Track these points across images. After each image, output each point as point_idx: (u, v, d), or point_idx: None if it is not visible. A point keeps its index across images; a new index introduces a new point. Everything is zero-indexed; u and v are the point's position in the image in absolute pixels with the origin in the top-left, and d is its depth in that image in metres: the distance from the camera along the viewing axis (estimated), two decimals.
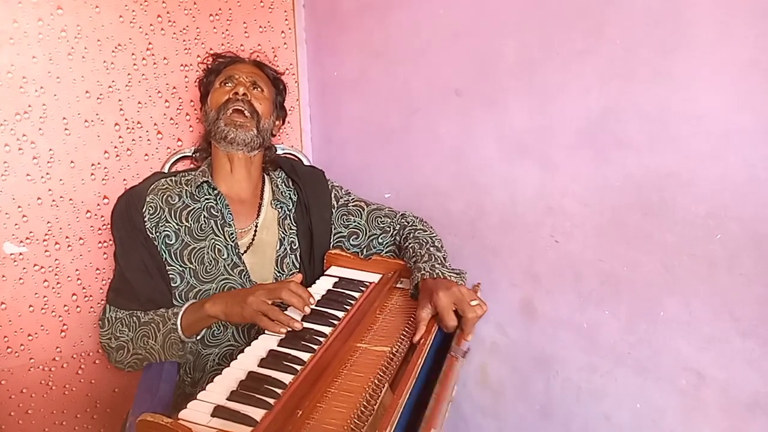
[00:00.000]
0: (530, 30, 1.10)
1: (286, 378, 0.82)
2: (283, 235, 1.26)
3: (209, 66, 1.33)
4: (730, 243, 0.88)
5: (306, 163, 1.53)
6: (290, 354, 0.88)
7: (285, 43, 1.67)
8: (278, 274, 1.24)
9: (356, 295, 1.08)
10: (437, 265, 1.06)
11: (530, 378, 1.23)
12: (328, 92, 1.67)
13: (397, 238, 1.29)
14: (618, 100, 0.99)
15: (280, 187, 1.31)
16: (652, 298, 0.99)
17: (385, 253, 1.29)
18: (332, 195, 1.33)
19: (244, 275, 1.20)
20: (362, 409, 0.76)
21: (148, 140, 1.48)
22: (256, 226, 1.25)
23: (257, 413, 0.74)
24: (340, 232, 1.31)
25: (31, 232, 1.36)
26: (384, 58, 1.45)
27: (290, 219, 1.28)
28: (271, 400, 0.76)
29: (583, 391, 1.13)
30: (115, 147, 1.44)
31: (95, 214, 1.43)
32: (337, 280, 1.16)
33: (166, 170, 1.43)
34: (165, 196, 1.19)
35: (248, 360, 0.87)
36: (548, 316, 1.17)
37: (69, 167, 1.38)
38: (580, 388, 1.14)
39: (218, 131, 1.21)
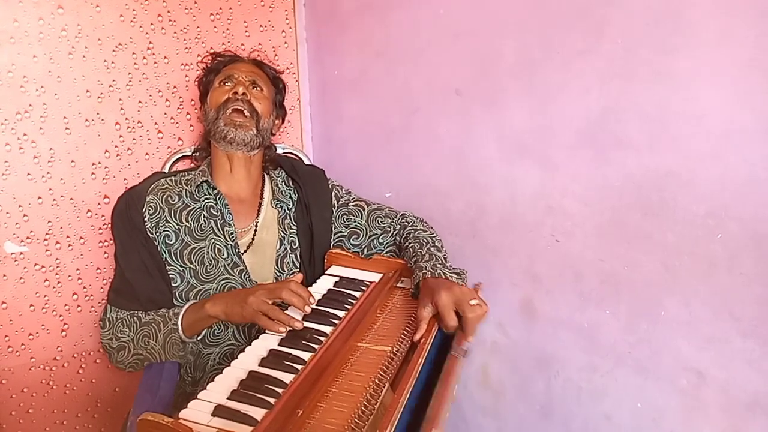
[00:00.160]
0: (530, 30, 1.10)
1: (287, 377, 0.82)
2: (283, 235, 1.26)
3: (208, 65, 1.33)
4: (730, 243, 0.88)
5: (306, 162, 1.53)
6: (291, 353, 0.88)
7: (285, 43, 1.67)
8: (278, 274, 1.24)
9: (357, 294, 1.08)
10: (438, 265, 1.06)
11: (531, 378, 1.23)
12: (328, 91, 1.67)
13: (398, 238, 1.29)
14: (618, 100, 0.99)
15: (280, 186, 1.31)
16: (652, 298, 0.99)
17: (386, 253, 1.29)
18: (332, 194, 1.33)
19: (244, 275, 1.20)
20: (363, 408, 0.76)
21: (149, 139, 1.48)
22: (256, 226, 1.25)
23: (258, 413, 0.74)
24: (341, 231, 1.31)
25: (31, 232, 1.36)
26: (384, 58, 1.45)
27: (290, 218, 1.28)
28: (272, 400, 0.76)
29: (584, 391, 1.13)
30: (116, 146, 1.44)
31: (96, 214, 1.43)
32: (337, 279, 1.16)
33: (166, 169, 1.43)
34: (165, 196, 1.20)
35: (249, 359, 0.87)
36: (548, 316, 1.18)
37: (70, 166, 1.38)
38: (580, 388, 1.14)
39: (218, 131, 1.21)
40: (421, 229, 1.25)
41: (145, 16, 1.42)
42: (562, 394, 1.18)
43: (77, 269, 1.43)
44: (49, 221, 1.38)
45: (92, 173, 1.41)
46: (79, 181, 1.40)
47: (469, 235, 1.31)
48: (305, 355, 0.88)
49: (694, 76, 0.89)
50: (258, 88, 1.27)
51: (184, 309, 1.09)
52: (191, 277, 1.17)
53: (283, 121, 1.39)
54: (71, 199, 1.40)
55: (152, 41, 1.45)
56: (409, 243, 1.20)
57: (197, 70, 1.47)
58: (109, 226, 1.24)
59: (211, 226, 1.20)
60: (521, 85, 1.14)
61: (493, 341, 1.29)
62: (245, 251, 1.22)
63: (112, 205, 1.21)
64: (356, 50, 1.53)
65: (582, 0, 1.01)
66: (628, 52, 0.96)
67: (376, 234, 1.29)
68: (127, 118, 1.44)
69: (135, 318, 1.14)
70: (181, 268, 1.17)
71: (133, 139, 1.46)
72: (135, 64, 1.43)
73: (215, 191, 1.22)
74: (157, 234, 1.16)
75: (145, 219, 1.16)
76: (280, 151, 1.48)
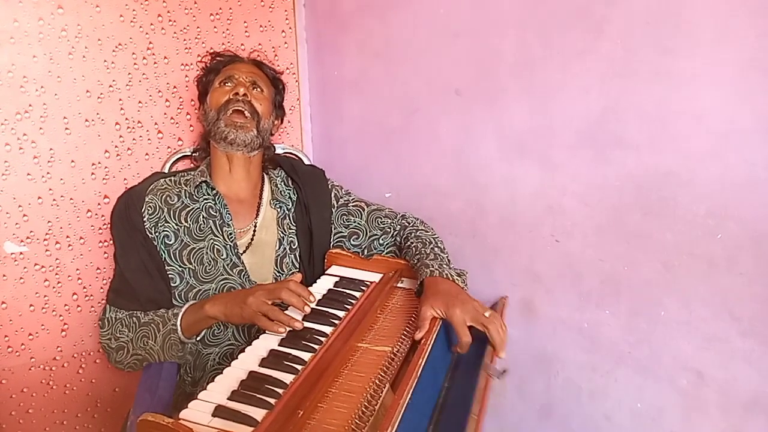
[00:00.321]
0: (530, 29, 1.10)
1: (287, 378, 0.82)
2: (282, 235, 1.26)
3: (207, 65, 1.32)
4: (729, 242, 0.88)
5: (306, 162, 1.53)
6: (291, 354, 0.88)
7: (285, 43, 1.67)
8: (278, 274, 1.24)
9: (357, 294, 1.08)
10: (444, 265, 1.06)
11: (530, 378, 1.23)
12: (328, 92, 1.67)
13: (398, 238, 1.29)
14: (618, 100, 0.99)
15: (279, 186, 1.31)
16: (652, 298, 1.00)
17: (386, 254, 1.29)
18: (332, 195, 1.33)
19: (244, 275, 1.20)
20: (363, 409, 0.76)
21: (149, 139, 1.48)
22: (255, 226, 1.25)
23: (258, 413, 0.74)
24: (341, 232, 1.31)
25: (31, 232, 1.36)
26: (384, 58, 1.45)
27: (289, 218, 1.28)
28: (272, 400, 0.76)
29: (584, 390, 1.13)
30: (116, 146, 1.44)
31: (96, 214, 1.43)
32: (337, 279, 1.16)
33: (166, 169, 1.43)
34: (164, 197, 1.19)
35: (249, 359, 0.87)
36: (548, 315, 1.18)
37: (69, 166, 1.38)
38: (580, 387, 1.14)
39: (218, 132, 1.21)
40: (423, 230, 1.25)
41: (145, 17, 1.42)
42: (561, 393, 1.18)
43: (77, 269, 1.43)
44: (48, 221, 1.38)
45: (92, 173, 1.41)
46: (79, 181, 1.40)
47: (469, 235, 1.31)
48: (305, 356, 0.88)
49: (694, 76, 0.89)
50: (258, 89, 1.27)
51: (183, 310, 1.09)
52: (190, 277, 1.17)
53: (281, 122, 1.39)
54: (71, 199, 1.40)
55: (152, 41, 1.45)
56: (412, 242, 1.20)
57: (197, 70, 1.47)
58: (109, 226, 1.24)
59: (210, 227, 1.20)
60: (521, 84, 1.14)
61: None
62: (244, 251, 1.22)
63: (112, 205, 1.21)
64: (356, 50, 1.53)
65: (582, 0, 1.01)
66: (628, 51, 0.96)
67: (376, 235, 1.29)
68: (127, 118, 1.44)
69: (134, 318, 1.14)
70: (180, 269, 1.17)
71: (133, 139, 1.46)
72: (135, 64, 1.43)
73: (214, 192, 1.22)
74: (157, 234, 1.16)
75: (145, 219, 1.16)
76: (279, 151, 1.48)
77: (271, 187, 1.31)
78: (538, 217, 1.16)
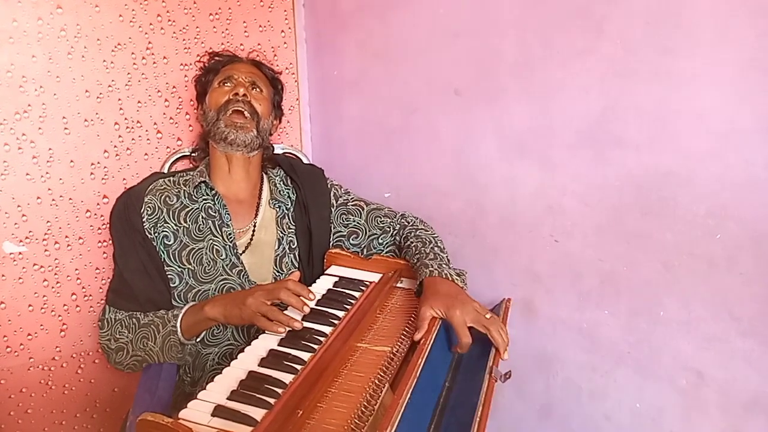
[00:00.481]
0: (530, 29, 1.10)
1: (287, 378, 0.82)
2: (281, 235, 1.26)
3: (206, 65, 1.32)
4: (729, 243, 0.88)
5: (306, 162, 1.53)
6: (291, 353, 0.88)
7: (285, 43, 1.67)
8: (277, 274, 1.24)
9: (357, 294, 1.08)
10: (444, 265, 1.06)
11: (530, 377, 1.23)
12: (328, 92, 1.67)
13: (397, 238, 1.29)
14: (618, 100, 0.99)
15: (278, 186, 1.30)
16: (652, 298, 1.00)
17: (385, 253, 1.28)
18: (331, 194, 1.33)
19: (243, 275, 1.19)
20: (363, 409, 0.76)
21: (148, 139, 1.48)
22: (255, 226, 1.25)
23: (258, 413, 0.74)
24: (340, 231, 1.31)
25: (30, 232, 1.36)
26: (384, 58, 1.45)
27: (289, 218, 1.28)
28: (272, 400, 0.76)
29: (583, 390, 1.13)
30: (115, 146, 1.43)
31: (95, 214, 1.43)
32: (337, 279, 1.16)
33: (165, 170, 1.43)
34: (163, 197, 1.19)
35: (248, 359, 0.87)
36: (548, 315, 1.18)
37: (68, 166, 1.38)
38: (580, 387, 1.14)
39: (218, 132, 1.20)
40: (422, 229, 1.25)
41: (144, 16, 1.42)
42: (561, 393, 1.18)
43: (76, 269, 1.43)
44: (48, 221, 1.37)
45: (91, 173, 1.41)
46: (78, 181, 1.40)
47: (469, 235, 1.31)
48: (305, 356, 0.87)
49: (693, 76, 0.89)
50: (257, 89, 1.27)
51: (183, 311, 1.09)
52: (190, 277, 1.17)
53: (280, 122, 1.38)
54: (70, 199, 1.39)
55: (151, 41, 1.44)
56: (411, 241, 1.20)
57: (196, 70, 1.47)
58: (108, 226, 1.23)
59: (210, 227, 1.19)
60: (521, 84, 1.14)
61: None
62: (244, 252, 1.22)
63: (111, 206, 1.21)
64: (356, 50, 1.53)
65: (582, 0, 1.01)
66: (628, 51, 0.96)
67: (376, 234, 1.29)
68: (126, 118, 1.44)
69: (134, 319, 1.14)
70: (179, 269, 1.16)
71: (132, 139, 1.45)
72: (134, 64, 1.43)
73: (213, 192, 1.22)
74: (156, 234, 1.16)
75: (144, 219, 1.16)
76: (279, 151, 1.48)
77: (270, 187, 1.31)
78: (537, 217, 1.16)
